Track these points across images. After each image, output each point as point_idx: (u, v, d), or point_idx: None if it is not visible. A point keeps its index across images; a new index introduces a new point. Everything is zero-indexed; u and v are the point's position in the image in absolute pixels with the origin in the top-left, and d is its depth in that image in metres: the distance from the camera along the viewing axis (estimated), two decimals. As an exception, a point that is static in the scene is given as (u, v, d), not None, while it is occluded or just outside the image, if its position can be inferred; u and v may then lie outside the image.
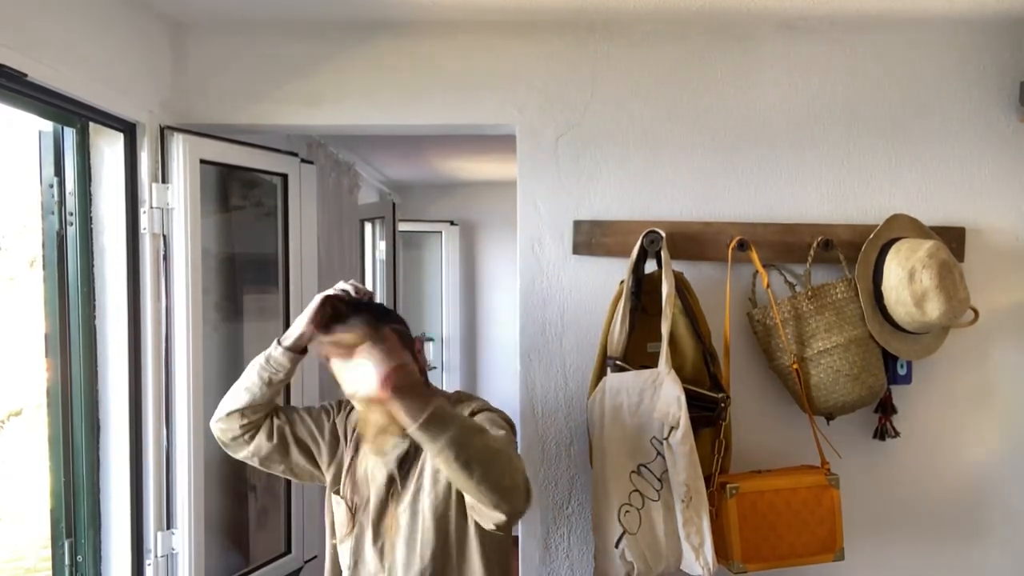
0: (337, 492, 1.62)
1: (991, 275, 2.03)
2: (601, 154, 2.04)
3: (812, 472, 1.90)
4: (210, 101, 2.08)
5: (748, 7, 1.91)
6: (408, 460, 1.56)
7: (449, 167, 4.40)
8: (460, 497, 1.50)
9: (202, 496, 2.03)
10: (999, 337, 2.05)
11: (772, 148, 2.04)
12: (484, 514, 1.36)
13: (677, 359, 1.85)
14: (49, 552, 1.88)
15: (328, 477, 1.65)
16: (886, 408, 2.01)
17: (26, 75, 1.52)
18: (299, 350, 1.58)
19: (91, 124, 1.86)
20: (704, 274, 2.01)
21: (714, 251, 2.00)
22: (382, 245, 4.06)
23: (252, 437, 1.61)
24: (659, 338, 1.81)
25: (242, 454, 1.64)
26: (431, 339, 5.11)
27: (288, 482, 2.35)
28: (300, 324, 1.56)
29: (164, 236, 1.97)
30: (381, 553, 1.55)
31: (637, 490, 1.77)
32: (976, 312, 1.93)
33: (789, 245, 2.00)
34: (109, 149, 1.90)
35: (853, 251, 1.93)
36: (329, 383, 1.51)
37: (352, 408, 1.66)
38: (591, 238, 2.03)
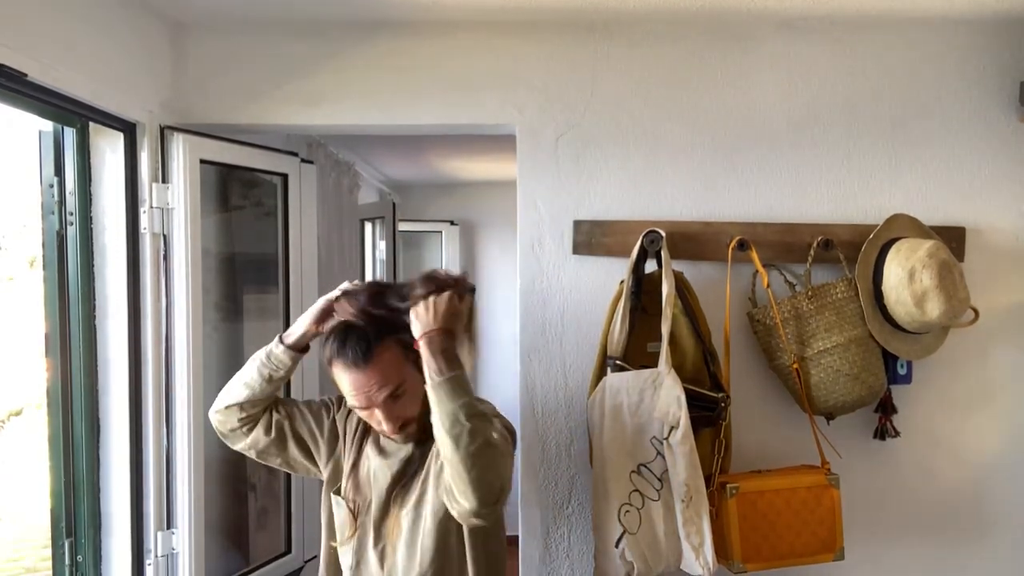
0: (337, 492, 1.62)
1: (991, 275, 2.03)
2: (601, 154, 2.04)
3: (812, 472, 1.90)
4: (210, 101, 2.08)
5: (748, 7, 1.91)
6: (413, 464, 1.56)
7: (449, 167, 4.40)
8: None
9: (202, 496, 2.03)
10: (999, 337, 2.05)
11: (772, 148, 2.04)
12: (453, 497, 1.35)
13: (677, 359, 1.85)
14: (49, 552, 1.88)
15: (325, 474, 1.64)
16: (886, 408, 2.01)
17: (26, 75, 1.52)
18: (300, 348, 1.58)
19: (91, 124, 1.86)
20: (704, 274, 2.01)
21: (714, 251, 2.00)
22: (382, 245, 4.06)
23: (250, 430, 1.61)
24: (659, 338, 1.81)
25: (239, 446, 1.64)
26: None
27: (288, 482, 2.35)
28: (303, 323, 1.56)
29: (164, 236, 1.97)
30: (382, 556, 1.55)
31: (637, 490, 1.77)
32: (976, 312, 1.93)
33: (789, 245, 2.00)
34: (109, 149, 1.90)
35: (853, 251, 1.93)
36: (329, 379, 1.50)
37: None
38: (591, 238, 2.03)
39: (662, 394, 1.76)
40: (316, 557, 2.35)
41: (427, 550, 1.50)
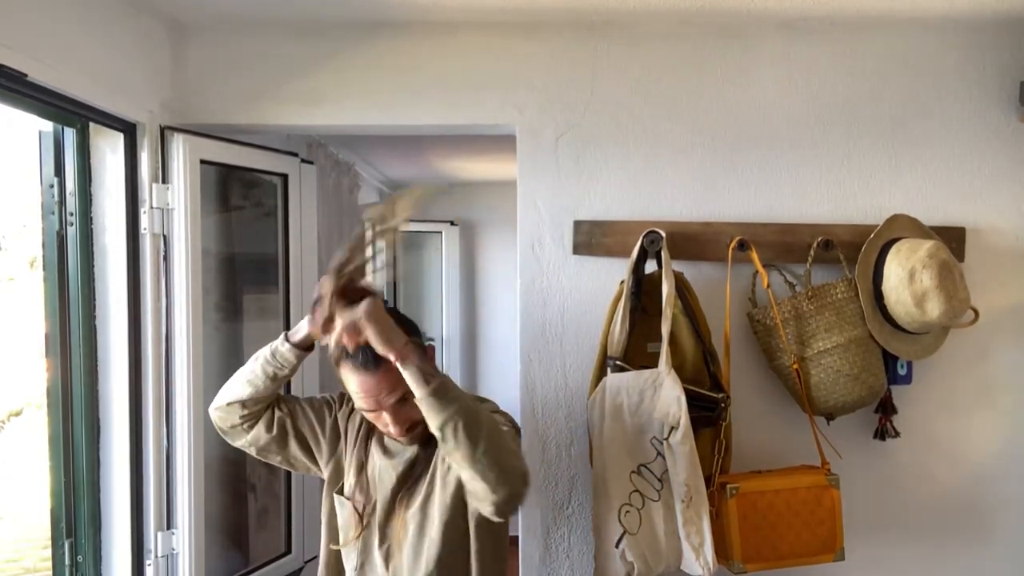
0: (339, 492, 1.62)
1: (991, 275, 2.03)
2: (601, 154, 2.04)
3: (812, 472, 1.90)
4: (210, 101, 2.08)
5: (748, 7, 1.91)
6: (418, 465, 1.56)
7: (449, 167, 4.40)
8: (466, 502, 1.50)
9: (202, 496, 2.03)
10: (999, 337, 2.05)
11: (772, 148, 2.04)
12: (482, 496, 1.32)
13: (677, 359, 1.85)
14: (49, 552, 1.88)
15: (326, 474, 1.64)
16: (886, 408, 2.01)
17: (26, 75, 1.52)
18: (306, 347, 1.57)
19: (91, 124, 1.86)
20: (704, 274, 2.01)
21: (714, 251, 2.00)
22: (382, 245, 4.06)
23: (251, 427, 1.60)
24: (659, 338, 1.81)
25: (239, 443, 1.63)
26: (431, 340, 5.11)
27: (288, 482, 2.35)
28: (309, 321, 1.55)
29: (164, 236, 1.97)
30: (387, 556, 1.55)
31: (637, 490, 1.77)
32: (976, 312, 1.93)
33: (789, 245, 2.00)
34: (109, 149, 1.90)
35: (853, 251, 1.93)
36: (331, 376, 1.50)
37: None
38: (591, 238, 2.02)
39: (662, 394, 1.76)
40: (316, 558, 2.35)
41: (434, 551, 1.50)
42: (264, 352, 1.56)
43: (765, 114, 2.04)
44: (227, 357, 2.28)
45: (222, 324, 2.33)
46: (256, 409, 1.59)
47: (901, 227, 1.95)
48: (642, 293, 1.92)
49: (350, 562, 1.60)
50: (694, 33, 2.03)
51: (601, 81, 2.04)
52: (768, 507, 1.83)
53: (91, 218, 1.89)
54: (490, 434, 1.32)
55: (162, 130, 1.98)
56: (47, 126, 1.82)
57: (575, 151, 2.05)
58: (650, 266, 1.94)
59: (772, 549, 1.83)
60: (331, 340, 1.30)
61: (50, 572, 1.88)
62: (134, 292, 1.92)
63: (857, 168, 2.04)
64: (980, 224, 2.04)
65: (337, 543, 1.62)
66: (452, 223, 5.12)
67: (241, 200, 2.44)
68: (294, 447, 1.63)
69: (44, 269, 1.85)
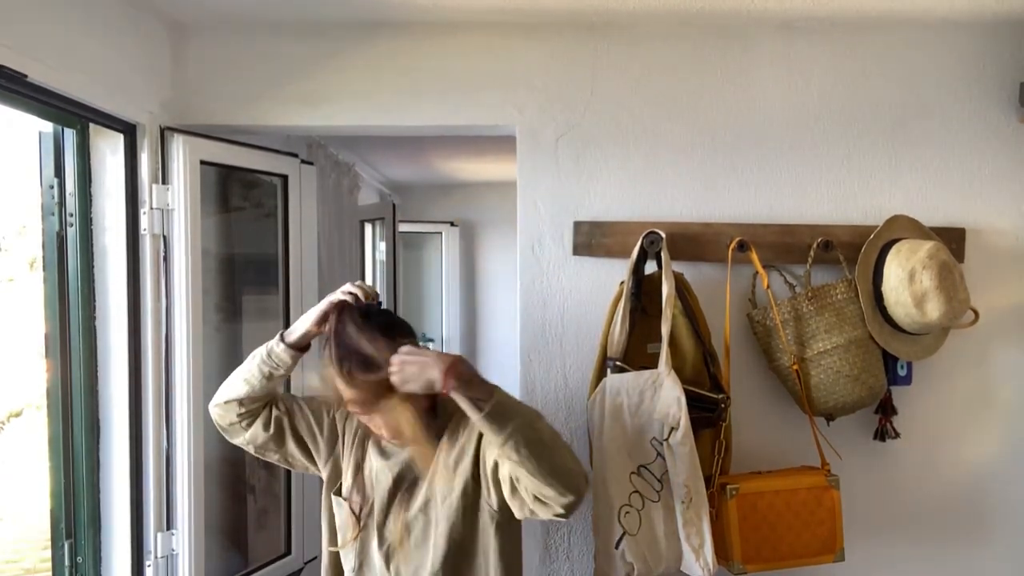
0: (338, 493, 1.62)
1: (991, 276, 2.03)
2: (601, 154, 2.04)
3: (812, 473, 1.90)
4: (210, 102, 2.08)
5: (748, 8, 1.91)
6: (415, 466, 1.56)
7: (449, 168, 4.40)
8: (474, 504, 1.50)
9: (202, 497, 2.03)
10: (999, 338, 2.05)
11: (772, 148, 2.04)
12: (553, 501, 1.33)
13: (677, 360, 1.85)
14: (49, 553, 1.88)
15: (324, 474, 1.64)
16: (886, 409, 2.01)
17: (26, 76, 1.52)
18: (301, 347, 1.57)
19: (91, 125, 1.86)
20: (704, 275, 2.01)
21: (714, 252, 2.00)
22: (382, 246, 4.07)
23: (249, 425, 1.60)
24: (659, 339, 1.81)
25: (237, 440, 1.63)
26: (431, 340, 5.11)
27: (288, 483, 2.35)
28: (305, 323, 1.55)
29: (164, 237, 1.97)
30: (387, 557, 1.54)
31: (637, 491, 1.77)
32: (976, 313, 1.93)
33: (789, 246, 2.00)
34: (109, 150, 1.90)
35: (853, 252, 1.93)
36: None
37: None
38: (591, 239, 2.03)
39: (662, 395, 1.76)
40: (316, 558, 2.35)
41: (439, 552, 1.50)
42: (260, 352, 1.57)
43: (765, 114, 2.04)
44: (227, 358, 2.28)
45: (222, 325, 2.33)
46: (253, 407, 1.59)
47: (901, 228, 1.95)
48: (642, 294, 1.92)
49: (348, 563, 1.60)
50: (694, 33, 2.03)
51: (601, 81, 2.04)
52: (768, 508, 1.83)
53: (91, 219, 1.89)
54: (551, 443, 1.34)
55: (162, 131, 1.98)
56: (47, 127, 1.82)
57: (575, 151, 2.05)
58: (650, 267, 1.94)
59: (772, 550, 1.83)
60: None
61: (50, 573, 1.88)
62: (134, 293, 1.92)
63: (857, 169, 2.04)
64: (980, 225, 2.04)
65: (336, 543, 1.62)
66: (452, 224, 5.13)
67: (241, 201, 2.44)
68: (291, 446, 1.63)
69: (44, 270, 1.85)
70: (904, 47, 2.03)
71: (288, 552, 2.35)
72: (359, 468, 1.60)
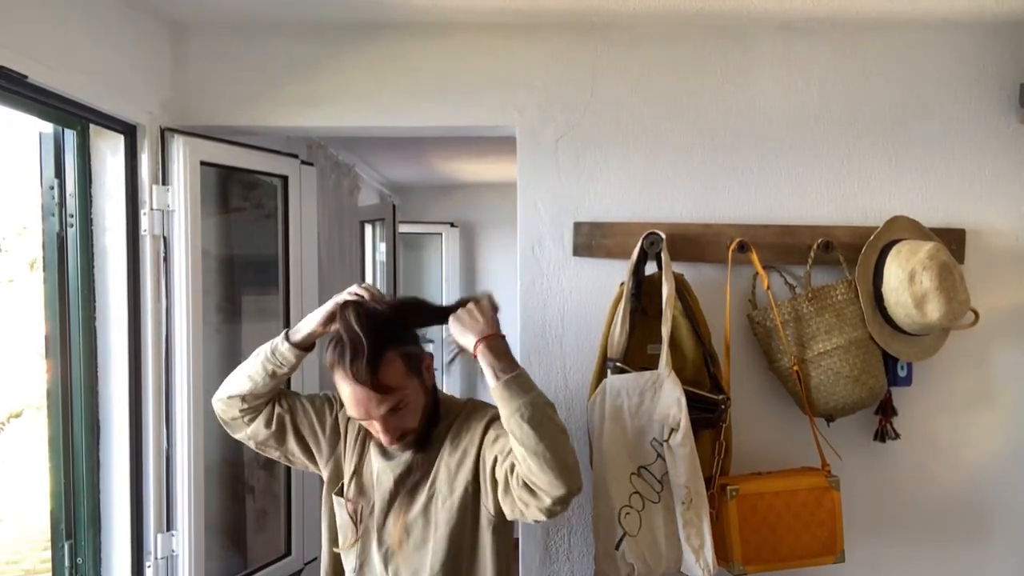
0: (339, 493, 1.62)
1: (991, 277, 2.03)
2: (601, 155, 2.04)
3: (812, 474, 1.90)
4: (210, 103, 2.08)
5: (748, 9, 1.91)
6: (417, 467, 1.56)
7: (449, 168, 4.40)
8: (474, 507, 1.51)
9: (202, 498, 2.03)
10: (999, 339, 2.05)
11: (772, 149, 2.04)
12: (541, 490, 1.33)
13: (677, 361, 1.85)
14: (49, 554, 1.88)
15: (325, 474, 1.64)
16: (886, 410, 2.01)
17: (26, 77, 1.52)
18: (306, 347, 1.57)
19: (91, 126, 1.86)
20: (704, 276, 2.01)
21: (714, 253, 2.00)
22: (382, 247, 4.07)
23: (251, 421, 1.61)
24: (659, 340, 1.81)
25: (239, 435, 1.64)
26: (431, 341, 5.11)
27: (288, 484, 2.35)
28: (311, 323, 1.54)
29: (164, 238, 1.97)
30: (386, 558, 1.54)
31: (637, 492, 1.77)
32: (976, 314, 1.93)
33: (789, 247, 2.00)
34: (109, 151, 1.90)
35: (853, 253, 1.93)
36: (330, 376, 1.49)
37: None
38: (591, 240, 2.03)
39: (662, 396, 1.76)
40: (316, 559, 2.35)
41: (438, 553, 1.50)
42: (265, 349, 1.57)
43: (765, 115, 2.04)
44: (227, 358, 2.28)
45: (222, 325, 2.33)
46: (256, 404, 1.59)
47: (901, 229, 1.95)
48: (642, 295, 1.92)
49: (349, 563, 1.59)
50: (694, 34, 2.03)
51: (601, 82, 2.04)
52: (768, 509, 1.83)
53: (91, 220, 1.89)
54: (556, 431, 1.37)
55: (162, 132, 1.98)
56: (47, 127, 1.82)
57: (575, 152, 2.05)
58: (650, 268, 1.94)
59: (772, 551, 1.83)
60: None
61: (50, 574, 1.88)
62: (134, 294, 1.92)
63: (857, 169, 2.04)
64: (980, 225, 2.04)
65: (337, 544, 1.62)
66: (452, 224, 5.13)
67: (241, 202, 2.44)
68: (292, 444, 1.63)
69: (44, 270, 1.86)
70: (904, 47, 2.03)
71: (288, 553, 2.35)
72: (361, 469, 1.60)
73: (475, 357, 1.42)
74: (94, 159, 1.90)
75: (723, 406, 1.85)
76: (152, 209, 1.94)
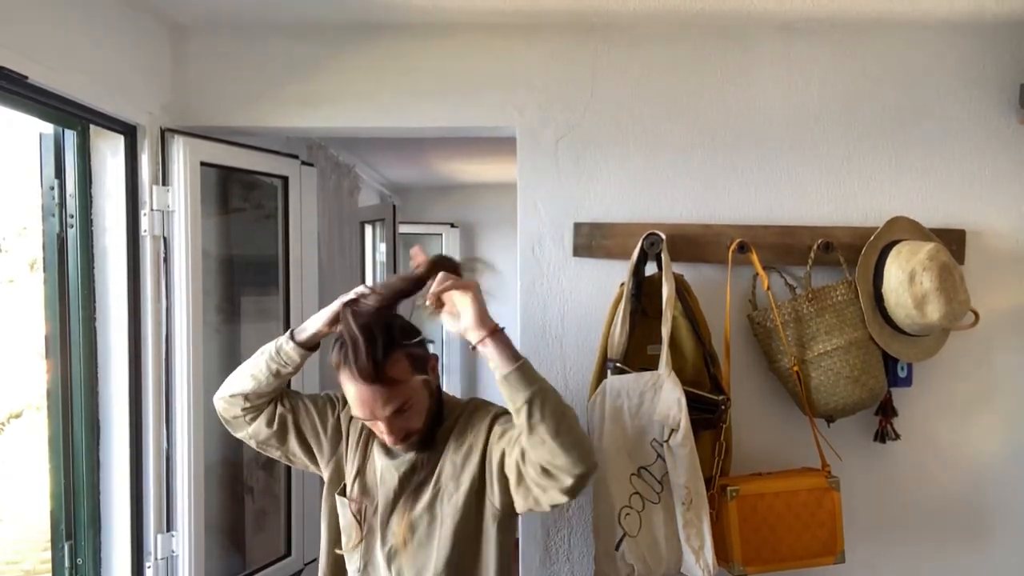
0: (342, 493, 1.62)
1: (991, 277, 2.03)
2: (601, 155, 2.05)
3: (812, 474, 1.90)
4: (210, 103, 2.08)
5: (748, 9, 1.91)
6: (422, 466, 1.56)
7: (449, 169, 4.40)
8: (479, 503, 1.51)
9: (202, 498, 2.03)
10: (999, 339, 2.05)
11: (772, 149, 2.04)
12: (561, 472, 1.33)
13: (677, 361, 1.85)
14: (49, 554, 1.88)
15: (326, 474, 1.64)
16: (886, 410, 2.01)
17: (27, 77, 1.52)
18: (310, 346, 1.57)
19: (91, 126, 1.86)
20: (704, 276, 2.01)
21: (714, 253, 2.00)
22: (382, 247, 4.07)
23: (253, 420, 1.60)
24: (659, 340, 1.81)
25: (240, 434, 1.64)
26: (431, 342, 5.11)
27: (288, 484, 2.35)
28: (317, 322, 1.54)
29: (164, 238, 1.97)
30: (389, 558, 1.54)
31: (637, 492, 1.77)
32: (976, 314, 1.93)
33: (789, 247, 2.00)
34: (110, 151, 1.90)
35: (853, 253, 1.93)
36: (331, 375, 1.50)
37: None
38: (591, 240, 2.03)
39: (662, 396, 1.76)
40: (316, 560, 2.35)
41: (443, 552, 1.50)
42: (269, 348, 1.57)
43: (765, 115, 2.04)
44: (227, 359, 2.28)
45: (222, 326, 2.33)
46: (258, 403, 1.59)
47: (901, 229, 1.95)
48: (642, 295, 1.92)
49: (353, 563, 1.59)
50: (694, 34, 2.03)
51: (601, 82, 2.04)
52: (768, 509, 1.83)
53: (91, 220, 1.89)
54: (569, 413, 1.37)
55: (162, 132, 1.98)
56: (47, 128, 1.82)
57: (575, 152, 2.05)
58: (650, 268, 1.94)
59: (772, 551, 1.83)
60: (431, 295, 1.40)
61: (50, 574, 1.88)
62: (134, 294, 1.92)
63: (857, 170, 2.04)
64: (980, 226, 2.04)
65: (338, 544, 1.62)
66: (452, 225, 5.13)
67: (241, 202, 2.44)
68: (293, 444, 1.63)
69: (44, 271, 1.86)
70: (904, 48, 2.03)
71: (288, 553, 2.35)
72: (364, 468, 1.60)
73: (473, 349, 1.39)
74: (94, 159, 1.90)
75: (723, 407, 1.85)
76: (152, 210, 1.94)
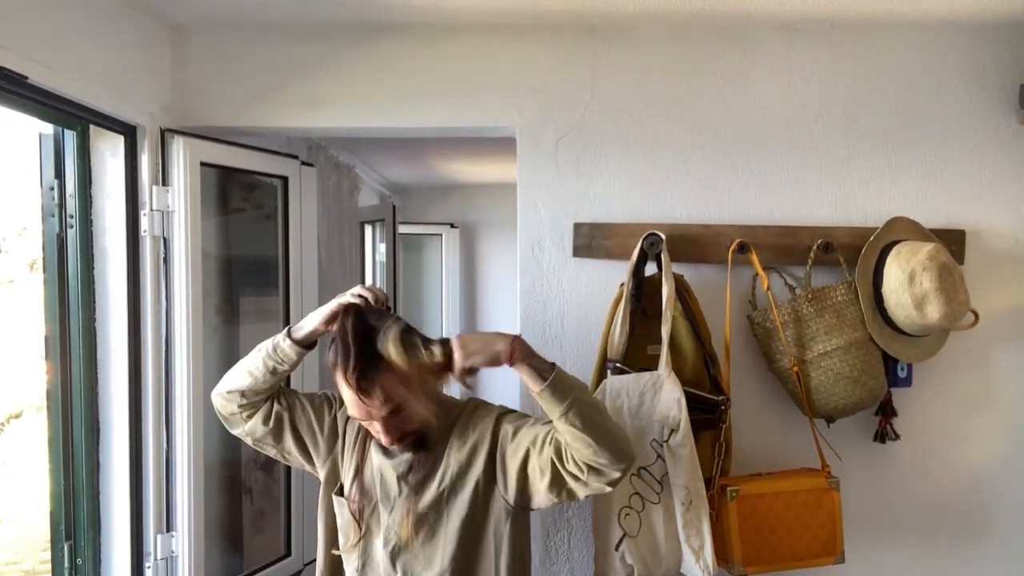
0: (339, 493, 1.62)
1: (991, 278, 2.03)
2: (601, 155, 2.05)
3: (812, 475, 1.90)
4: (210, 103, 2.08)
5: (748, 10, 1.91)
6: (421, 464, 1.56)
7: (449, 169, 4.40)
8: (487, 500, 1.52)
9: (202, 499, 2.03)
10: (999, 340, 2.05)
11: (772, 150, 2.04)
12: (606, 467, 1.39)
13: (677, 361, 1.85)
14: (49, 555, 1.88)
15: (322, 474, 1.64)
16: (886, 411, 2.01)
17: (27, 78, 1.52)
18: (307, 345, 1.57)
19: (91, 127, 1.86)
20: (704, 276, 2.01)
21: (714, 253, 2.00)
22: (382, 247, 4.07)
23: (250, 417, 1.60)
24: (659, 340, 1.81)
25: (237, 431, 1.64)
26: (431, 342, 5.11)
27: (288, 484, 2.35)
28: (314, 320, 1.54)
29: (164, 239, 1.97)
30: (393, 555, 1.54)
31: (637, 493, 1.77)
32: (976, 315, 1.93)
33: (789, 248, 2.00)
34: (109, 152, 1.90)
35: (853, 254, 1.93)
36: (329, 373, 1.50)
37: None
38: (591, 240, 2.03)
39: (662, 397, 1.76)
40: (315, 560, 2.35)
41: (449, 548, 1.50)
42: (266, 345, 1.57)
43: (765, 116, 2.04)
44: (227, 359, 2.27)
45: (222, 326, 2.33)
46: (255, 400, 1.59)
47: (901, 229, 1.95)
48: (642, 295, 1.92)
49: (351, 564, 1.59)
50: (694, 35, 2.03)
51: (601, 82, 2.04)
52: (768, 510, 1.83)
53: (91, 220, 1.89)
54: (604, 410, 1.44)
55: (162, 132, 1.98)
56: (47, 128, 1.82)
57: (575, 153, 2.05)
58: (650, 268, 1.94)
59: (772, 552, 1.83)
60: (460, 378, 1.42)
61: (50, 575, 1.88)
62: (134, 294, 1.92)
63: (857, 170, 2.04)
64: (980, 227, 2.04)
65: (335, 544, 1.62)
66: (452, 225, 5.13)
67: (241, 202, 2.44)
68: (289, 442, 1.63)
69: (44, 271, 1.86)
70: (904, 49, 2.03)
71: (288, 554, 2.35)
72: (362, 468, 1.60)
73: (511, 364, 1.41)
74: (94, 160, 1.90)
75: (723, 407, 1.85)
76: (152, 210, 1.94)
